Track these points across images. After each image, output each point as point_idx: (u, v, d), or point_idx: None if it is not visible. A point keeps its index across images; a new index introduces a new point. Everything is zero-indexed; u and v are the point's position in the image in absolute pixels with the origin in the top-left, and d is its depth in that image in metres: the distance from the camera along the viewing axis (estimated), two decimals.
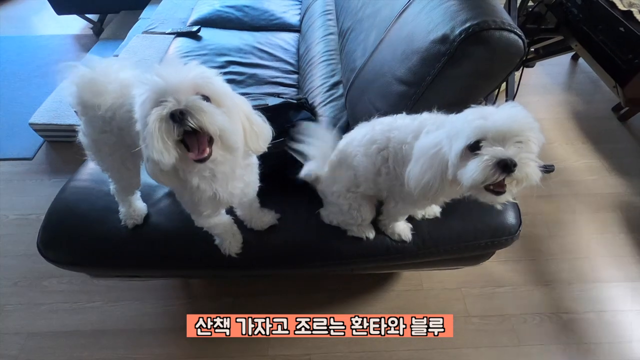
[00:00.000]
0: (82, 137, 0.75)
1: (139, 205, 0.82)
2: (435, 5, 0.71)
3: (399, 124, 0.65)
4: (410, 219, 0.80)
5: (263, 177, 0.81)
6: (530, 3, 1.58)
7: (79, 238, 0.80)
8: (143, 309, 1.23)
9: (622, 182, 1.56)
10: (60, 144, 1.77)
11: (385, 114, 0.75)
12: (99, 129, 0.69)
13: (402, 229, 0.78)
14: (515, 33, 0.60)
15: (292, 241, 0.82)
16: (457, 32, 0.61)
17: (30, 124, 1.69)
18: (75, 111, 0.70)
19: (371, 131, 0.68)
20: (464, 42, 0.61)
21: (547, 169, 1.59)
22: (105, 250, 0.81)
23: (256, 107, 0.65)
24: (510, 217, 0.80)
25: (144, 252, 0.80)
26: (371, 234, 0.80)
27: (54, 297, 1.27)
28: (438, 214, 0.80)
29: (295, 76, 1.45)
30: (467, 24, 0.61)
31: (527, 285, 1.26)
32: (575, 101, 1.94)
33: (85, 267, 0.85)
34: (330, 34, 1.37)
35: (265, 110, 0.68)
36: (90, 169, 0.94)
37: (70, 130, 1.70)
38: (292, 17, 1.76)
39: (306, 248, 0.83)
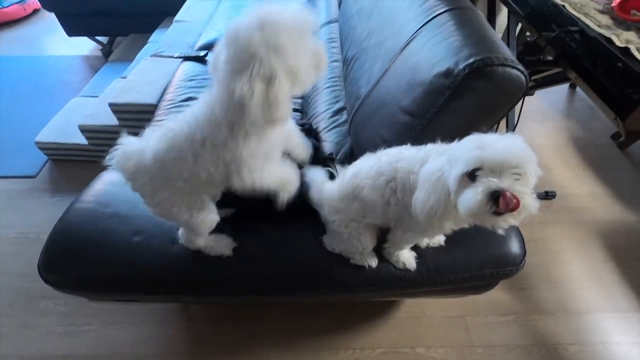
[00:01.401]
0: (154, 210, 0.73)
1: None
2: (439, 40, 0.73)
3: (405, 154, 0.66)
4: (414, 248, 0.79)
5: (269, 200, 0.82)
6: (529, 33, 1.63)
7: (80, 262, 0.80)
8: (140, 333, 1.20)
9: (625, 209, 1.56)
10: (64, 162, 1.78)
11: (389, 142, 0.76)
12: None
13: (407, 257, 0.77)
14: (518, 69, 0.62)
15: (295, 267, 0.81)
16: (461, 66, 0.63)
17: (36, 143, 1.71)
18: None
19: (377, 163, 0.69)
20: (467, 77, 0.62)
21: (549, 195, 1.59)
22: (106, 275, 0.80)
23: None
24: (515, 247, 0.80)
25: (148, 278, 0.79)
26: (373, 263, 0.80)
27: (49, 319, 1.24)
28: (442, 243, 0.80)
29: (299, 101, 1.48)
30: (471, 60, 0.62)
31: (532, 314, 1.24)
32: (574, 128, 1.97)
33: (85, 292, 0.84)
34: (335, 61, 1.40)
35: None
36: (96, 190, 0.94)
37: (75, 149, 1.72)
38: None
39: (309, 275, 0.82)
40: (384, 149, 0.70)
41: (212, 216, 0.75)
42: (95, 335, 1.20)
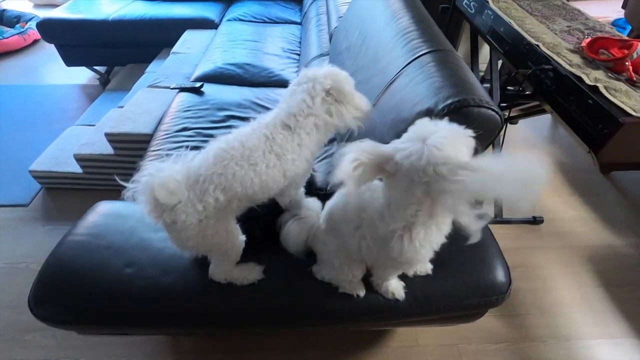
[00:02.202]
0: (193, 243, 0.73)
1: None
2: (421, 80, 0.78)
3: (368, 203, 0.67)
4: (402, 277, 0.81)
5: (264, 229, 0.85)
6: None
7: (71, 296, 0.80)
8: None
9: (612, 233, 1.60)
10: (57, 190, 1.79)
11: None
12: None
13: (395, 287, 0.79)
14: (492, 109, 0.67)
15: (283, 298, 0.82)
16: (440, 106, 0.68)
17: (30, 171, 1.72)
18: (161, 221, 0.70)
19: (344, 207, 0.71)
20: (446, 116, 0.67)
21: (537, 221, 1.63)
22: (97, 308, 0.80)
23: None
24: (500, 275, 0.82)
25: (140, 312, 0.80)
26: (361, 292, 0.81)
27: (35, 354, 1.21)
28: (430, 271, 0.82)
29: None
30: (449, 101, 0.67)
31: (524, 342, 1.24)
32: (559, 154, 2.04)
33: (76, 326, 0.83)
34: None
35: None
36: (89, 222, 0.95)
37: (69, 177, 1.73)
38: (290, 74, 1.88)
39: (297, 306, 0.83)
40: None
41: (241, 238, 0.79)
42: None
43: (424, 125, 0.56)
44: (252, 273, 0.82)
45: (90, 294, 0.80)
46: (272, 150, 0.70)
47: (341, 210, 0.71)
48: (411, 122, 0.73)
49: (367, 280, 0.83)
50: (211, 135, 1.40)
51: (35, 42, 3.07)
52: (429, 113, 0.69)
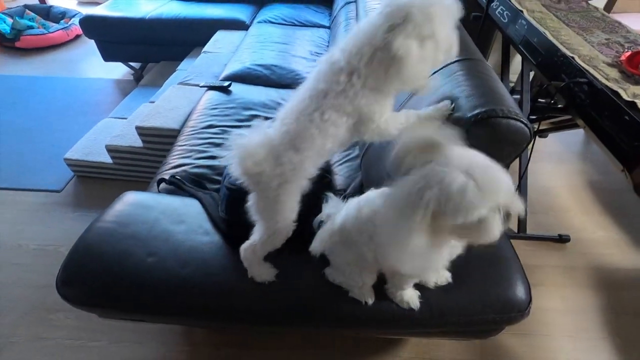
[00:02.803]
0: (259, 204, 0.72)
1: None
2: (448, 89, 0.77)
3: (379, 210, 0.65)
4: (419, 286, 0.80)
5: None
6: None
7: (96, 279, 0.84)
8: (144, 353, 1.22)
9: None
10: (88, 179, 1.87)
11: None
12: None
13: (410, 296, 0.78)
14: (522, 122, 0.65)
15: (296, 298, 0.83)
16: (467, 116, 0.67)
17: (65, 159, 1.81)
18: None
19: (359, 214, 0.69)
20: (473, 126, 0.66)
21: (563, 239, 1.57)
22: (119, 294, 0.83)
23: None
24: (520, 292, 0.79)
25: (159, 301, 0.82)
26: (370, 300, 0.80)
27: (59, 333, 1.27)
28: (450, 279, 0.80)
29: None
30: (476, 111, 0.66)
31: None
32: (590, 171, 1.95)
33: (98, 309, 0.87)
34: None
35: None
36: (116, 210, 0.99)
37: (100, 167, 1.81)
38: None
39: (309, 307, 0.83)
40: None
41: (291, 227, 0.75)
42: (102, 352, 1.22)
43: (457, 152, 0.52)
44: (264, 274, 0.82)
45: (113, 279, 0.83)
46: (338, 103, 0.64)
47: (353, 220, 0.71)
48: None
49: (381, 287, 0.82)
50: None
51: (77, 37, 3.23)
52: (457, 122, 0.68)
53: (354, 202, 0.74)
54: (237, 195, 0.90)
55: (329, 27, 2.45)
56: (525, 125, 0.65)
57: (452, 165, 0.49)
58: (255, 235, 0.78)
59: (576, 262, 1.51)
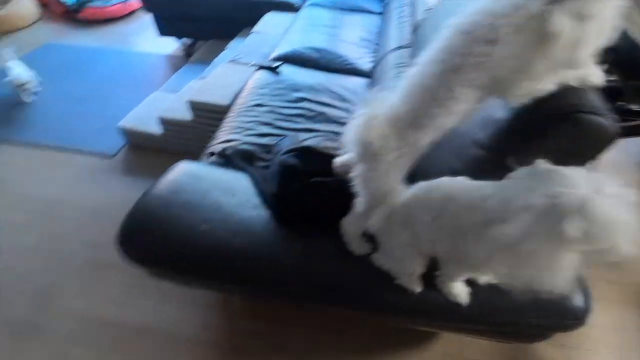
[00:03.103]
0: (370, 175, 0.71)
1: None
2: None
3: (460, 197, 0.64)
4: (470, 282, 0.78)
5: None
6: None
7: (153, 240, 0.88)
8: (185, 316, 1.28)
9: None
10: (139, 147, 1.96)
11: (458, 173, 0.76)
12: None
13: (460, 290, 0.76)
14: (608, 119, 0.60)
15: (344, 279, 0.83)
16: (548, 109, 0.63)
17: (119, 127, 1.90)
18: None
19: (427, 196, 0.69)
20: (553, 120, 0.62)
21: None
22: (172, 255, 0.88)
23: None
24: (579, 300, 0.76)
25: (208, 267, 0.86)
26: (417, 288, 0.79)
27: (108, 288, 1.36)
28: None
29: None
30: (558, 104, 0.62)
31: None
32: None
33: (151, 268, 0.92)
34: None
35: None
36: (171, 178, 1.03)
37: (150, 137, 1.89)
38: (365, 64, 1.86)
39: (355, 290, 0.83)
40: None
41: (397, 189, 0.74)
42: (146, 309, 1.30)
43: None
44: (361, 247, 0.83)
45: (168, 242, 0.88)
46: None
47: (424, 197, 0.69)
48: (508, 121, 0.69)
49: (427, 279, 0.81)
50: (284, 114, 1.45)
51: (134, 12, 3.35)
52: (532, 114, 0.65)
53: (423, 184, 0.72)
54: (289, 173, 0.91)
55: (380, 14, 2.39)
56: (612, 122, 0.61)
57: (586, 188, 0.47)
58: (358, 207, 0.77)
59: (631, 279, 1.41)
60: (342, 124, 1.46)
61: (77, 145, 1.96)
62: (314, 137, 1.26)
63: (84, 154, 1.92)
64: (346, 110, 1.53)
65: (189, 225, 0.89)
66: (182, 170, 1.08)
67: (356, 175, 0.73)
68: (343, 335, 1.24)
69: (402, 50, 1.69)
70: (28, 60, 2.21)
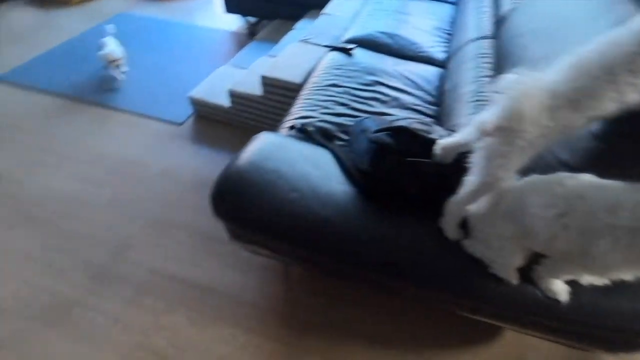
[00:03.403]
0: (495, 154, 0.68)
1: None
2: None
3: (589, 193, 0.61)
4: (570, 281, 0.75)
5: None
6: None
7: (245, 201, 0.90)
8: (246, 282, 1.33)
9: None
10: (205, 119, 2.03)
11: (569, 167, 0.73)
12: None
13: (561, 288, 0.74)
14: None
15: (432, 262, 0.83)
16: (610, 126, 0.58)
17: (189, 97, 1.98)
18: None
19: (549, 191, 0.65)
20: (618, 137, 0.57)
21: None
22: (261, 219, 0.90)
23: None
24: None
25: (294, 234, 0.88)
26: (514, 279, 0.77)
27: (176, 246, 1.44)
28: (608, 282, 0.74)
29: (435, 108, 1.49)
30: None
31: None
32: None
33: (239, 227, 0.95)
34: (486, 76, 1.38)
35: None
36: (259, 146, 1.05)
37: (218, 109, 1.95)
38: (438, 53, 1.81)
39: (442, 272, 0.83)
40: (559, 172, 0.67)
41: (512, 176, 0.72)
42: (210, 270, 1.36)
43: None
44: (453, 231, 0.82)
45: (260, 205, 0.90)
46: None
47: (543, 192, 0.67)
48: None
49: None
50: (359, 96, 1.45)
51: None
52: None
53: (538, 177, 0.70)
54: (383, 151, 0.91)
55: (454, 3, 2.31)
56: None
57: None
58: (467, 187, 0.75)
59: None
60: (416, 111, 1.43)
61: (148, 112, 2.06)
62: (404, 119, 1.25)
63: (154, 120, 2.01)
64: (420, 98, 1.50)
65: (280, 192, 0.91)
66: (268, 140, 1.10)
67: (481, 148, 0.70)
68: (404, 321, 1.24)
69: (482, 41, 1.63)
70: (102, 28, 2.32)
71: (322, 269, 1.06)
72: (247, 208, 0.91)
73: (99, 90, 2.20)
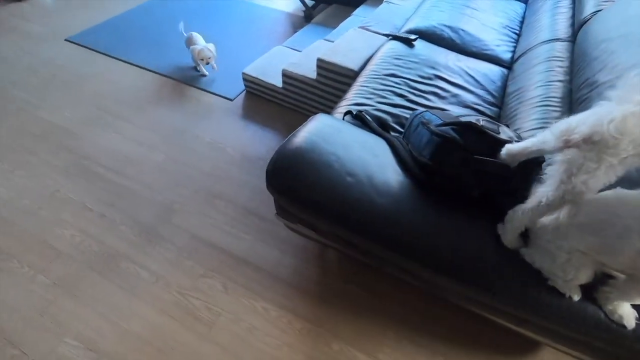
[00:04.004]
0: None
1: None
2: None
3: None
4: (637, 306, 0.70)
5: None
6: None
7: (300, 178, 0.91)
8: (282, 260, 1.35)
9: None
10: (255, 96, 2.06)
11: None
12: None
13: (627, 313, 0.69)
14: None
15: (486, 266, 0.80)
16: None
17: (243, 73, 2.01)
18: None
19: None
20: None
21: None
22: (313, 198, 0.90)
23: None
24: None
25: (346, 217, 0.88)
26: (576, 295, 0.73)
27: (219, 216, 1.48)
28: None
29: (496, 109, 1.42)
30: None
31: None
32: None
33: (291, 201, 0.94)
34: (558, 80, 1.29)
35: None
36: (316, 127, 1.05)
37: (269, 88, 1.96)
38: (504, 53, 1.72)
39: (495, 277, 0.80)
40: None
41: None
42: (249, 244, 1.39)
43: None
44: (512, 241, 0.79)
45: (316, 185, 0.90)
46: None
47: (635, 207, 0.62)
48: None
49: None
50: (418, 89, 1.41)
51: None
52: None
53: (630, 192, 0.65)
54: (449, 145, 0.88)
55: (525, 2, 2.17)
56: None
57: None
58: (538, 199, 0.72)
59: None
60: (476, 110, 1.38)
61: (204, 85, 2.11)
62: (471, 115, 1.21)
63: (209, 94, 2.07)
64: (481, 97, 1.44)
65: (336, 175, 0.91)
66: (325, 121, 1.10)
67: (562, 161, 0.66)
68: (434, 322, 1.22)
69: (556, 43, 1.53)
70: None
71: (363, 257, 1.05)
72: (301, 185, 0.91)
73: (160, 60, 2.28)
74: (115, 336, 1.14)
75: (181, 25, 2.23)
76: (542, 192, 0.70)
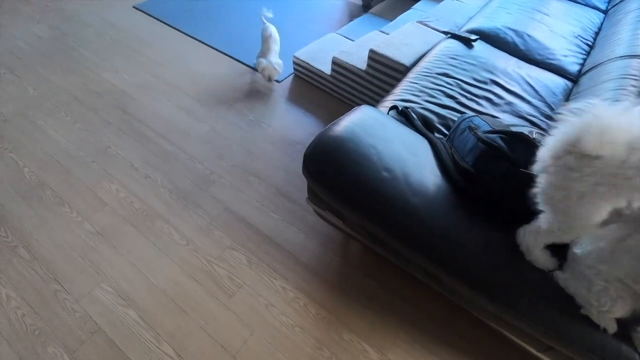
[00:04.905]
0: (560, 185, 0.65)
1: None
2: None
3: None
4: None
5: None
6: None
7: (336, 166, 0.92)
8: (306, 244, 1.37)
9: None
10: (303, 80, 2.07)
11: None
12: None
13: None
14: None
15: (513, 277, 0.76)
16: None
17: (294, 56, 2.02)
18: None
19: None
20: None
21: None
22: (347, 188, 0.91)
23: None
24: None
25: (379, 213, 0.87)
26: (611, 328, 0.68)
27: (252, 193, 1.52)
28: None
29: (552, 124, 1.33)
30: None
31: None
32: None
33: (324, 189, 0.95)
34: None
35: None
36: (359, 118, 1.05)
37: (317, 74, 1.97)
38: (571, 64, 1.60)
39: (526, 297, 0.76)
40: None
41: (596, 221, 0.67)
42: (277, 224, 1.42)
43: None
44: (543, 261, 0.76)
45: (352, 176, 0.90)
46: None
47: None
48: None
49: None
50: (470, 92, 1.35)
51: None
52: None
53: None
54: (494, 153, 0.84)
55: (604, 12, 2.00)
56: None
57: None
58: (542, 222, 0.72)
59: None
60: (530, 122, 1.30)
61: (254, 64, 2.15)
62: (524, 126, 1.16)
63: (257, 72, 2.10)
64: (537, 108, 1.36)
65: (373, 168, 0.90)
66: (369, 113, 1.09)
67: (547, 187, 0.66)
68: (448, 330, 1.19)
69: (632, 60, 1.40)
70: None
71: (388, 254, 1.04)
72: (337, 174, 0.91)
73: (219, 36, 2.34)
74: (144, 289, 1.22)
75: (264, 11, 2.11)
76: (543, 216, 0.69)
